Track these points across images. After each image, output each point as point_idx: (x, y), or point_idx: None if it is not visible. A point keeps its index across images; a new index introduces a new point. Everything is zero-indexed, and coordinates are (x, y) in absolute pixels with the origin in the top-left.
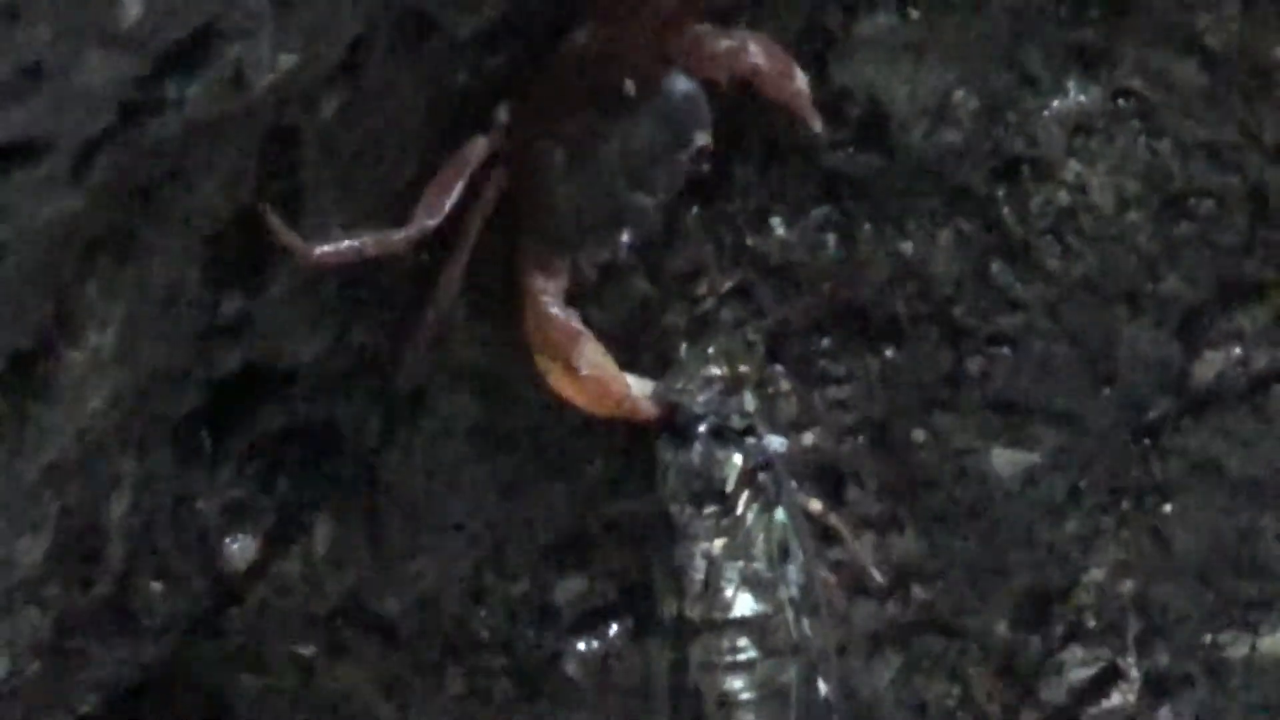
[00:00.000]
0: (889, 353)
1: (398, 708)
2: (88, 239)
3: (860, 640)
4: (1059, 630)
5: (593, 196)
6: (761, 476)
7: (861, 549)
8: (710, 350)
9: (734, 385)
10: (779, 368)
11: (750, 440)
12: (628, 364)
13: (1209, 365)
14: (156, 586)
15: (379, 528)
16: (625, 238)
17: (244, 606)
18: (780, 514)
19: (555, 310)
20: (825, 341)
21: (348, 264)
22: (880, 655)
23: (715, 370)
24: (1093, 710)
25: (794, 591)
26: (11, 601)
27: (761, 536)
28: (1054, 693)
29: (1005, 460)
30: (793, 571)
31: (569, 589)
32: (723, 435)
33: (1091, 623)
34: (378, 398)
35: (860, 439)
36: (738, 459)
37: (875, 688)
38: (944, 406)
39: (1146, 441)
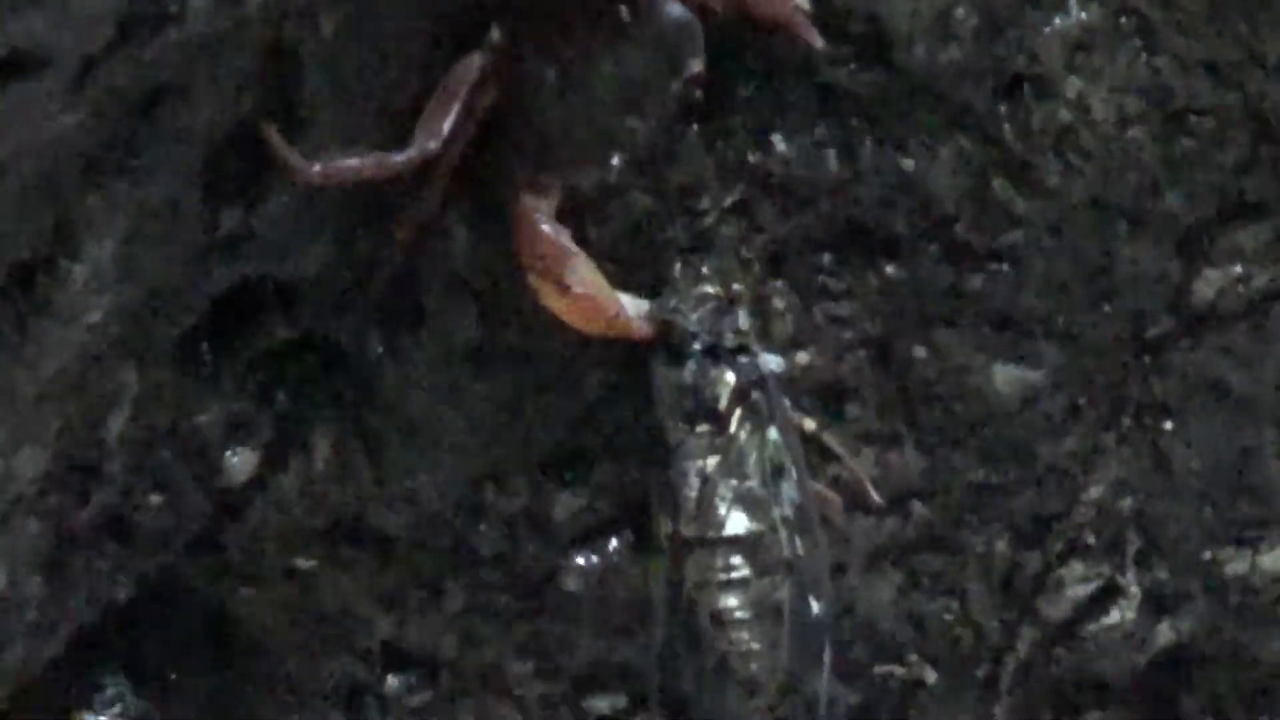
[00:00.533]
0: (889, 269)
1: (396, 622)
2: (88, 154)
3: (859, 557)
4: (1058, 547)
5: (584, 119)
6: (755, 395)
7: (859, 467)
8: (705, 269)
9: (728, 304)
10: (779, 284)
11: (744, 359)
12: (625, 281)
13: (1209, 283)
14: (156, 500)
15: (378, 443)
16: (616, 161)
17: (243, 521)
18: (773, 433)
19: (546, 228)
20: (825, 258)
21: (346, 184)
22: (879, 572)
23: (709, 289)
24: (1092, 627)
25: (787, 510)
26: (11, 515)
27: (754, 455)
28: (1054, 610)
29: (1005, 377)
30: (786, 490)
31: (568, 504)
32: (716, 354)
33: (1091, 540)
34: (377, 313)
35: (860, 355)
36: (731, 377)
37: (874, 604)
38: (944, 323)
39: (1147, 359)
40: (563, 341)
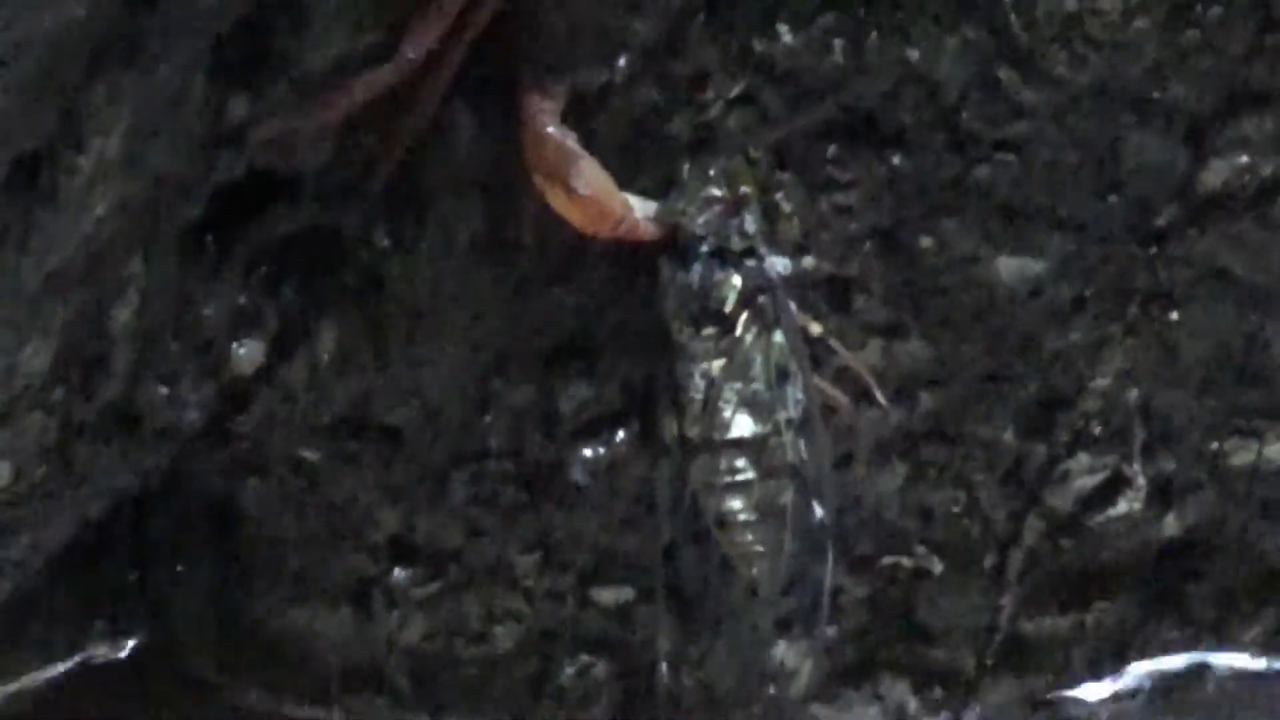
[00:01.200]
0: (895, 159)
1: (403, 514)
2: (93, 45)
3: (866, 449)
4: (1065, 438)
5: (586, 21)
6: (761, 298)
7: (864, 369)
8: (712, 170)
9: (735, 206)
10: (785, 175)
11: (750, 262)
12: (631, 177)
13: (1215, 173)
14: (162, 392)
15: (383, 335)
16: (620, 62)
17: (249, 413)
18: (779, 336)
19: (552, 131)
20: (831, 148)
21: (346, 112)
22: (886, 463)
23: (716, 191)
24: (1099, 517)
25: (792, 413)
26: (16, 407)
27: (760, 358)
28: (1060, 500)
29: (1012, 267)
30: (791, 393)
31: (574, 395)
32: (723, 256)
33: (1097, 430)
34: (383, 205)
35: (867, 246)
36: (737, 280)
37: (881, 495)
38: (950, 213)
39: (1153, 249)
40: (568, 231)
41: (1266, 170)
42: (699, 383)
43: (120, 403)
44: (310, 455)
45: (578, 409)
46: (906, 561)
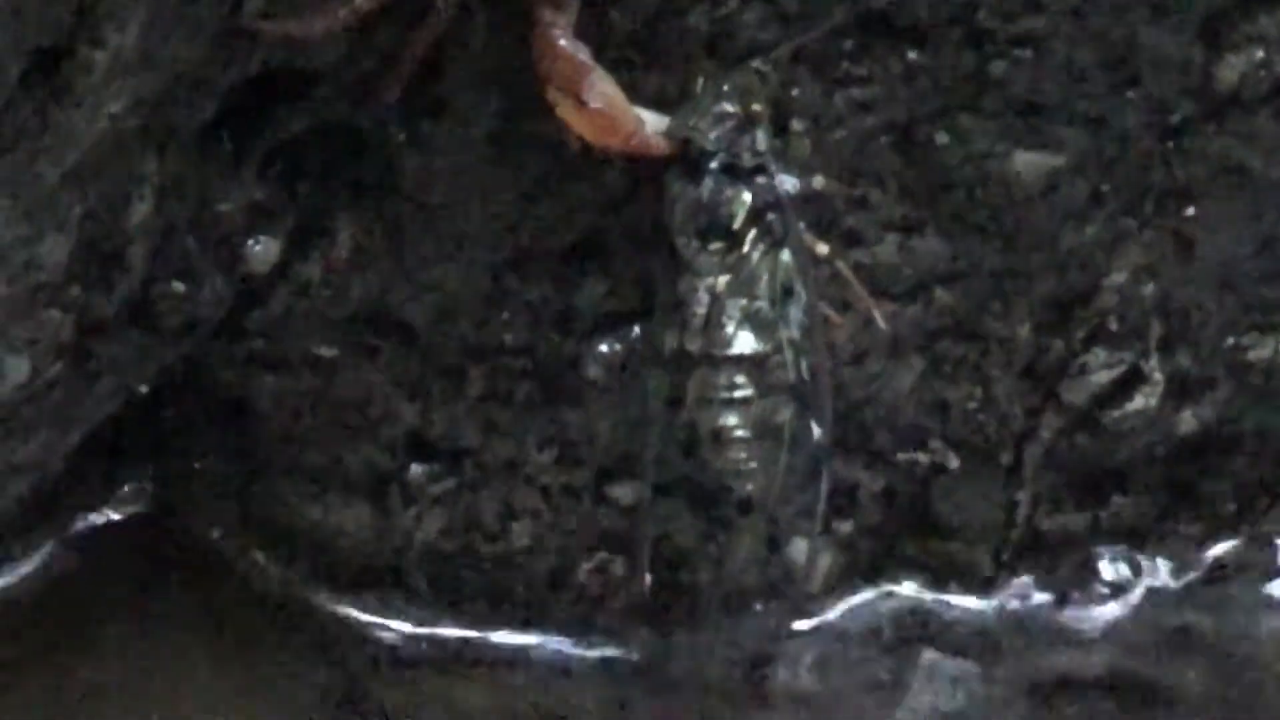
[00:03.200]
0: (912, 55)
1: (419, 410)
2: None
3: (883, 344)
4: (1081, 333)
5: None
6: (770, 216)
7: (865, 293)
8: (725, 86)
9: (748, 122)
10: (800, 70)
11: (760, 179)
12: (645, 81)
13: (1231, 68)
14: (178, 288)
15: (400, 231)
16: None
17: (265, 309)
18: (786, 254)
19: (564, 43)
20: (848, 43)
21: (353, 23)
22: (903, 358)
23: (729, 107)
24: (1115, 413)
25: (795, 332)
26: (33, 304)
27: (766, 276)
28: (1076, 395)
29: (1028, 163)
30: (795, 312)
31: (590, 292)
32: (733, 172)
33: (1114, 326)
34: (399, 102)
35: (883, 141)
36: (747, 197)
37: (898, 391)
38: (967, 109)
39: (1169, 144)
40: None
41: None
42: (703, 297)
43: (136, 299)
44: (326, 351)
45: (594, 305)
46: (923, 457)
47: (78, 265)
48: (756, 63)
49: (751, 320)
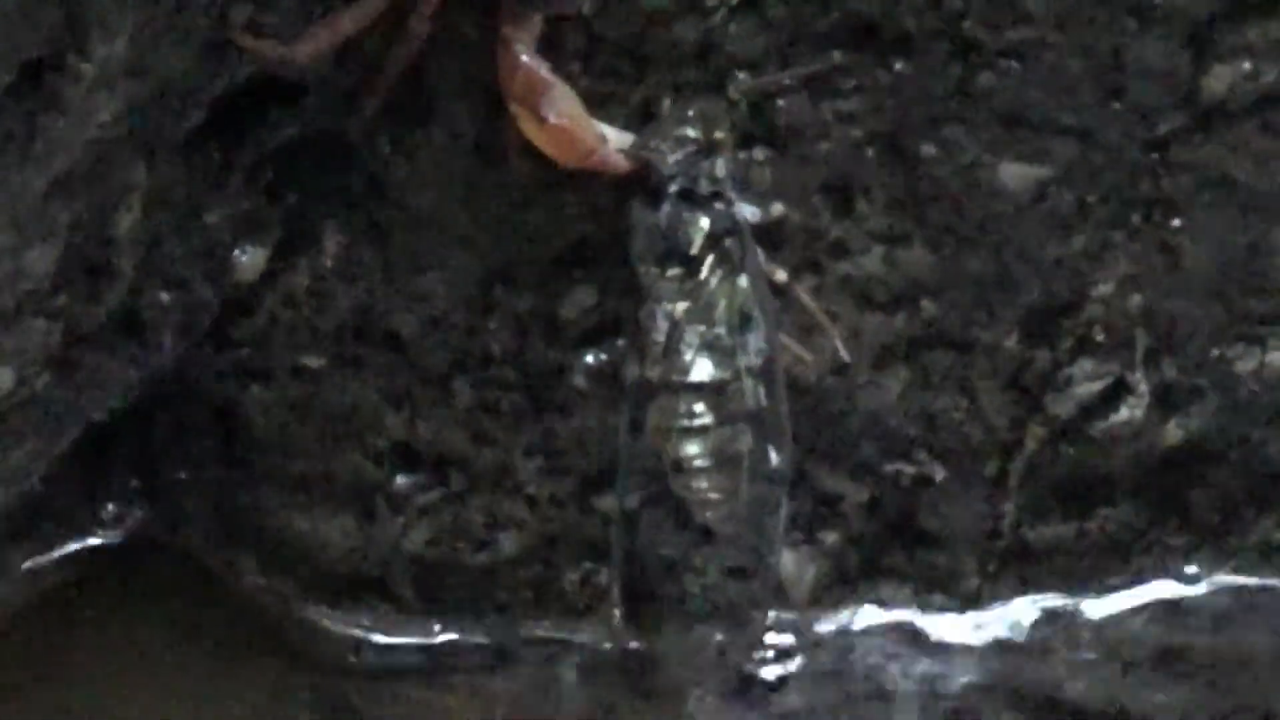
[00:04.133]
0: (899, 66)
1: (406, 420)
2: None
3: (869, 354)
4: (1068, 344)
5: None
6: (728, 242)
7: (827, 321)
8: (690, 112)
9: (709, 149)
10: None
11: (719, 205)
12: (633, 91)
13: (1219, 79)
14: (165, 297)
15: (387, 240)
16: None
17: (253, 319)
18: (744, 281)
19: (526, 59)
20: (835, 55)
21: (334, 46)
22: (889, 369)
23: (691, 132)
24: (1101, 424)
25: (753, 360)
26: (20, 313)
27: (724, 302)
28: (1062, 407)
29: (1015, 174)
30: (753, 340)
31: (577, 301)
32: (691, 198)
33: (1100, 337)
34: (386, 109)
35: (869, 152)
36: (705, 222)
37: (883, 401)
38: (953, 120)
39: (1156, 155)
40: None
41: (1270, 76)
42: (661, 324)
43: (123, 309)
44: (313, 361)
45: (581, 314)
46: (908, 468)
47: (65, 274)
48: (731, 89)
49: (710, 347)
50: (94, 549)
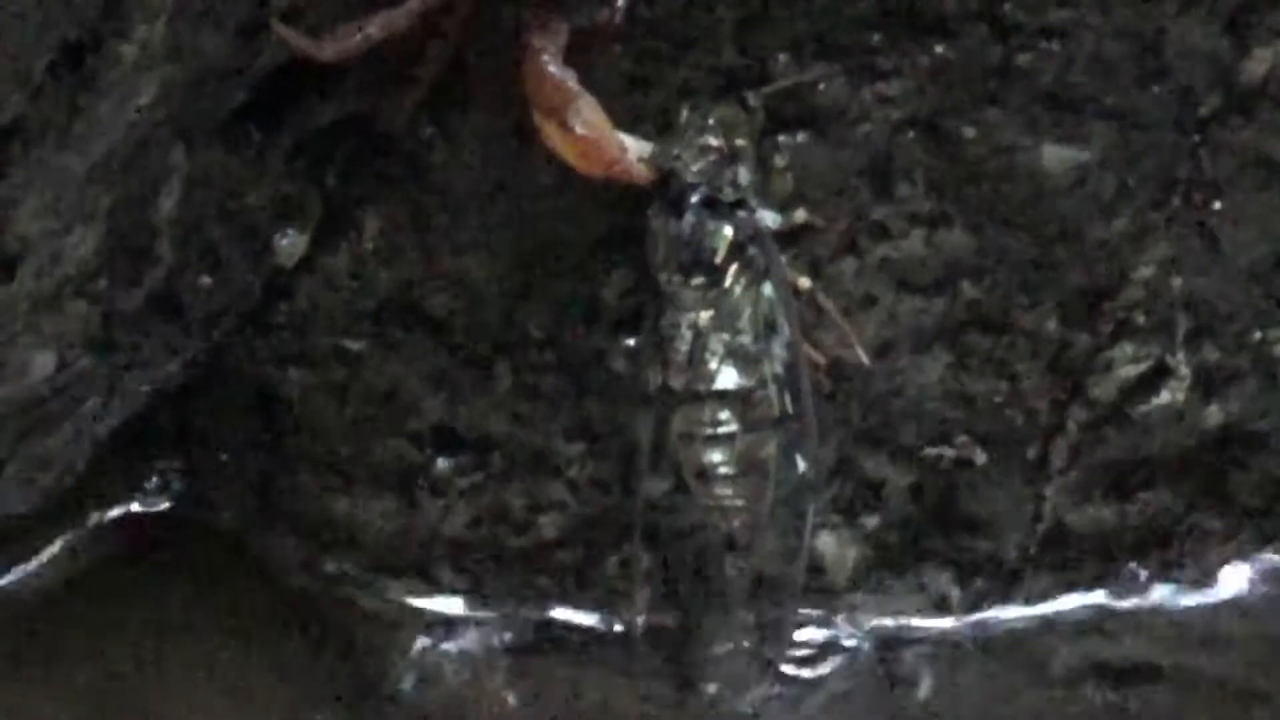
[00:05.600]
0: (939, 48)
1: (446, 403)
2: None
3: (909, 337)
4: (1108, 327)
5: None
6: (751, 250)
7: (847, 327)
8: (709, 120)
9: (730, 157)
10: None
11: (742, 213)
12: (672, 74)
13: (1259, 61)
14: (206, 281)
15: (427, 223)
16: (620, 2)
17: (292, 301)
18: (768, 288)
19: (553, 69)
20: (875, 37)
21: (360, 52)
22: (929, 352)
23: (712, 140)
24: (1142, 407)
25: (778, 367)
26: (61, 295)
27: (748, 310)
28: (1103, 390)
29: (1055, 156)
30: (778, 347)
31: (616, 285)
32: (714, 206)
33: (1141, 319)
34: (427, 92)
35: (910, 134)
36: (728, 231)
37: (923, 384)
38: (994, 102)
39: (1196, 137)
40: (615, 121)
41: None
42: (685, 333)
43: (164, 291)
44: (353, 344)
45: (620, 298)
46: (949, 451)
47: (105, 258)
48: (748, 95)
49: (734, 355)
50: (134, 527)
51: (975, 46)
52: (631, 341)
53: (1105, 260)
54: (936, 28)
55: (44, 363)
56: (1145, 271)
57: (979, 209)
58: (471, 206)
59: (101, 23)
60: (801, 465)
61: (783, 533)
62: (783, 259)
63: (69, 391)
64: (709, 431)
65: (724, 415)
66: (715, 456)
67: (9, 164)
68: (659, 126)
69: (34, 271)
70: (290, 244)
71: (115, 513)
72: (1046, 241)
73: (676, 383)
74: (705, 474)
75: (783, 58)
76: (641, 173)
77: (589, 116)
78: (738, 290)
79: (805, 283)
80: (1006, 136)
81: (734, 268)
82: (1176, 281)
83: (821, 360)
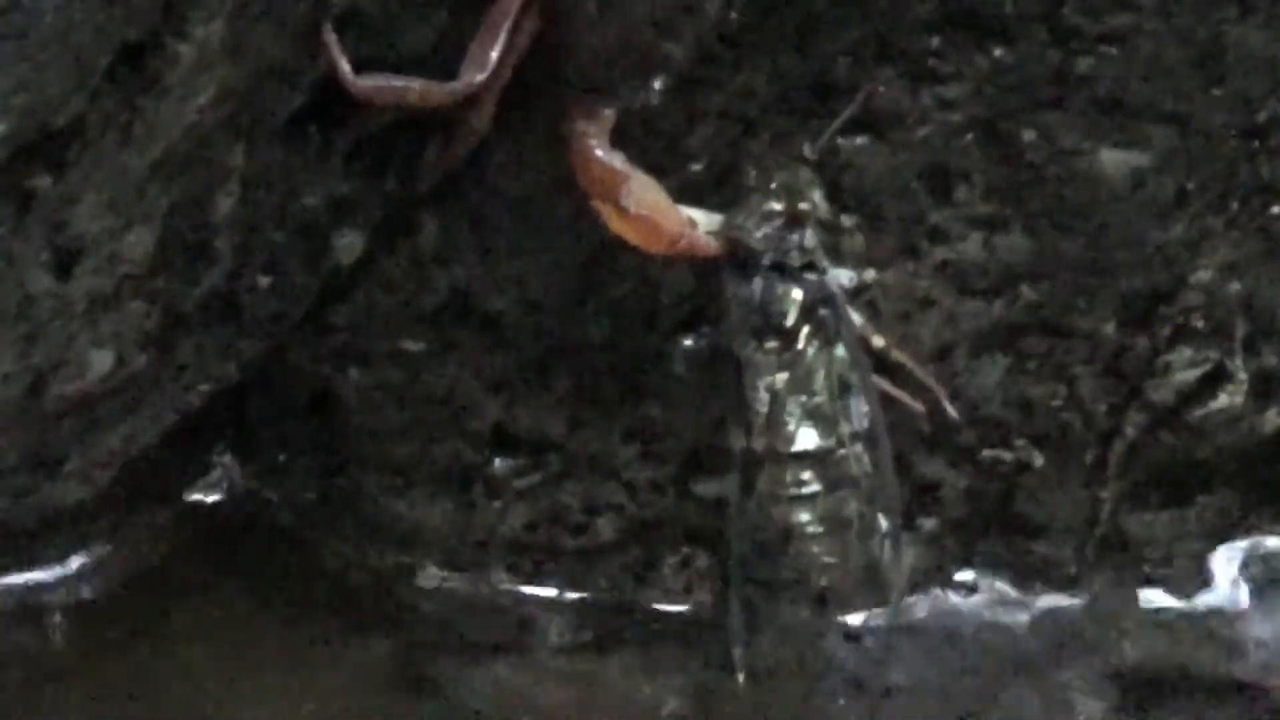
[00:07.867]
0: (997, 52)
1: (504, 404)
2: None
3: (967, 340)
4: (1166, 331)
5: (622, 44)
6: (822, 311)
7: (929, 377)
8: (772, 185)
9: (795, 221)
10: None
11: (811, 275)
12: (730, 79)
13: None
14: (264, 281)
15: (486, 225)
16: (658, 85)
17: (350, 302)
18: (841, 349)
19: (600, 154)
20: (935, 41)
21: (388, 104)
22: (988, 355)
23: (775, 205)
24: (1200, 411)
25: (855, 425)
26: (119, 295)
27: (822, 371)
28: (1161, 394)
29: (1114, 161)
30: (854, 405)
31: (675, 287)
32: (783, 270)
33: (1199, 324)
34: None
35: (969, 138)
36: (798, 294)
37: (982, 388)
38: (1052, 106)
39: (1255, 142)
40: (672, 124)
41: None
42: (763, 396)
43: (222, 292)
44: (411, 345)
45: (677, 301)
46: (1007, 454)
47: (163, 257)
48: (805, 149)
49: (812, 416)
50: (191, 524)
51: (1035, 50)
52: (689, 343)
53: (1163, 264)
54: (996, 31)
55: (102, 362)
56: (1203, 275)
57: (1037, 213)
58: (530, 208)
59: (161, 23)
60: (884, 523)
61: (873, 584)
62: (856, 317)
63: (128, 391)
64: (792, 492)
65: (806, 475)
66: (801, 516)
67: (68, 163)
68: (714, 139)
69: (92, 270)
70: (348, 244)
71: (173, 512)
72: (1105, 245)
73: (758, 445)
74: (792, 533)
75: (842, 61)
76: (708, 245)
77: (643, 196)
78: (811, 352)
79: (879, 340)
80: (1065, 140)
81: (806, 330)
82: (1234, 286)
83: (921, 409)
